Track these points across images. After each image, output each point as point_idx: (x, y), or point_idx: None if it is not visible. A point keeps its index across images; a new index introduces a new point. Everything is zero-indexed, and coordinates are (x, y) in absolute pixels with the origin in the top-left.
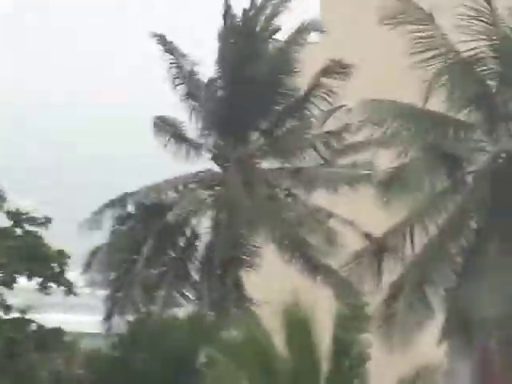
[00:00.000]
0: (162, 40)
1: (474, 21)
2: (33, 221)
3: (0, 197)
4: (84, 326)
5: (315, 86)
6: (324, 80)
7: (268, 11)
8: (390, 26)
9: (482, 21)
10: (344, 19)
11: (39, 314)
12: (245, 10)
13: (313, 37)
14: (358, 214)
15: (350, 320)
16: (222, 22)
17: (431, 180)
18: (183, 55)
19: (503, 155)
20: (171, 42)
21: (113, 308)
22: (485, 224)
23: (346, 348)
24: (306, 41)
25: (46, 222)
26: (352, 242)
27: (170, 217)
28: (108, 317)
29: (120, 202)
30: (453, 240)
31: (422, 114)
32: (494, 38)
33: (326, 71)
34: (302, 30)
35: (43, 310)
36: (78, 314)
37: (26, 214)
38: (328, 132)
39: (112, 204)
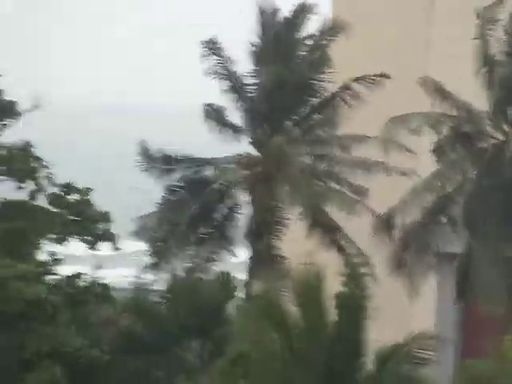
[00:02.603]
0: (210, 42)
1: None
2: (77, 190)
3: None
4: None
5: (344, 89)
6: (355, 85)
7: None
8: None
9: None
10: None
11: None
12: (285, 18)
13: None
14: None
15: (352, 278)
16: (259, 25)
17: None
18: (226, 56)
19: None
20: (217, 43)
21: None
22: None
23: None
24: (332, 40)
25: (88, 190)
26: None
27: (216, 186)
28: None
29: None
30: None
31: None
32: None
33: (359, 78)
34: (327, 31)
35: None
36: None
37: (72, 184)
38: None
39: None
